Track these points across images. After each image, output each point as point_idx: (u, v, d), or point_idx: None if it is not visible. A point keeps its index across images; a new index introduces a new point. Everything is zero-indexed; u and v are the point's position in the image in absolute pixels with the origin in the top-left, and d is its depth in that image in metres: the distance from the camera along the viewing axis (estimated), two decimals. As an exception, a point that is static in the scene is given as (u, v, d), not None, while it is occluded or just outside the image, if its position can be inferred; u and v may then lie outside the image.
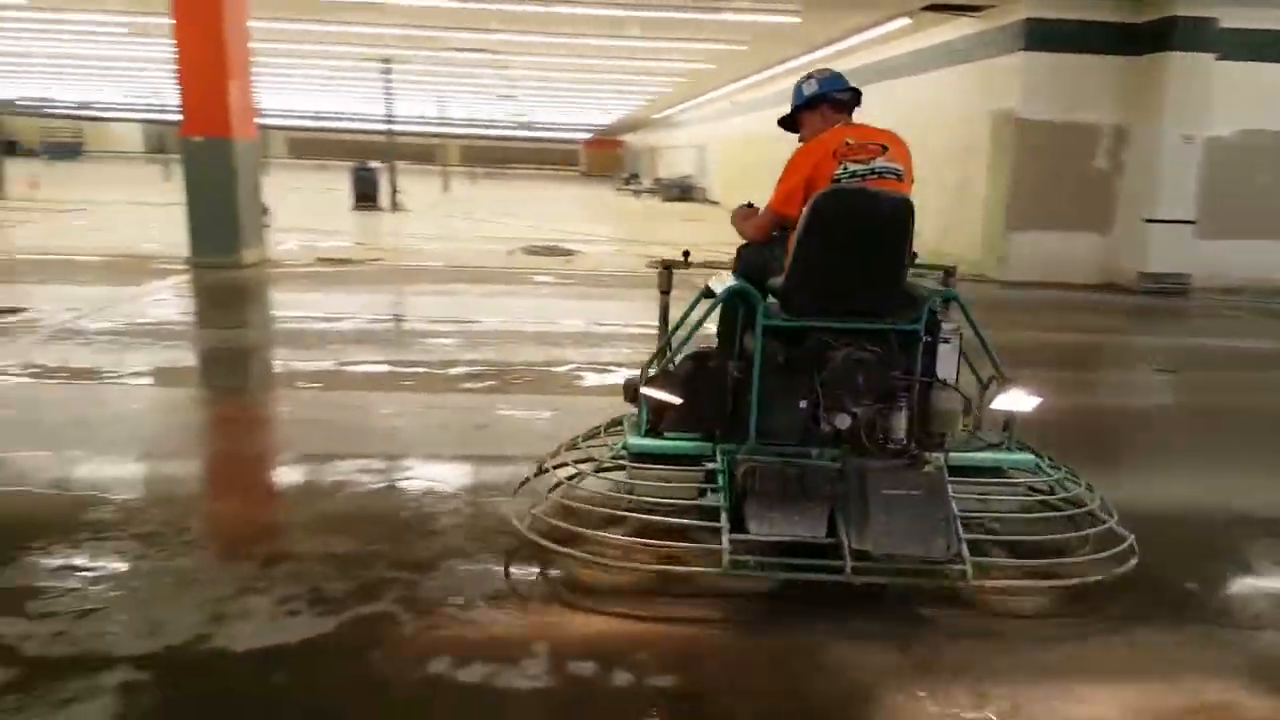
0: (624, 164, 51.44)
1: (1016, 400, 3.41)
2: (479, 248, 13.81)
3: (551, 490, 3.39)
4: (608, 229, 18.59)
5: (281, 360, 6.67)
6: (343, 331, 7.44)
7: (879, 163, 3.31)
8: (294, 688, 2.47)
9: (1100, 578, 3.07)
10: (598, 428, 3.94)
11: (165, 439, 4.73)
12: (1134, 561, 3.14)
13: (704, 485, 3.33)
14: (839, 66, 4.16)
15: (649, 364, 3.49)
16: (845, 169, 3.29)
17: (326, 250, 12.33)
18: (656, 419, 3.49)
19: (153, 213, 16.12)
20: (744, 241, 3.70)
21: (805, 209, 3.19)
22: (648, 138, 46.41)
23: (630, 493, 3.32)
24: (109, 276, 9.54)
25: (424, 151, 36.45)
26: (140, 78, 29.40)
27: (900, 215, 3.17)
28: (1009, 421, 3.56)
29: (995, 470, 3.51)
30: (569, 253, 13.43)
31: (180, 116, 10.00)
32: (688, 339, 3.52)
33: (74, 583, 2.95)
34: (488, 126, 47.88)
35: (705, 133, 31.42)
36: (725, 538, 2.97)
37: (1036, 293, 10.63)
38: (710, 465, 3.30)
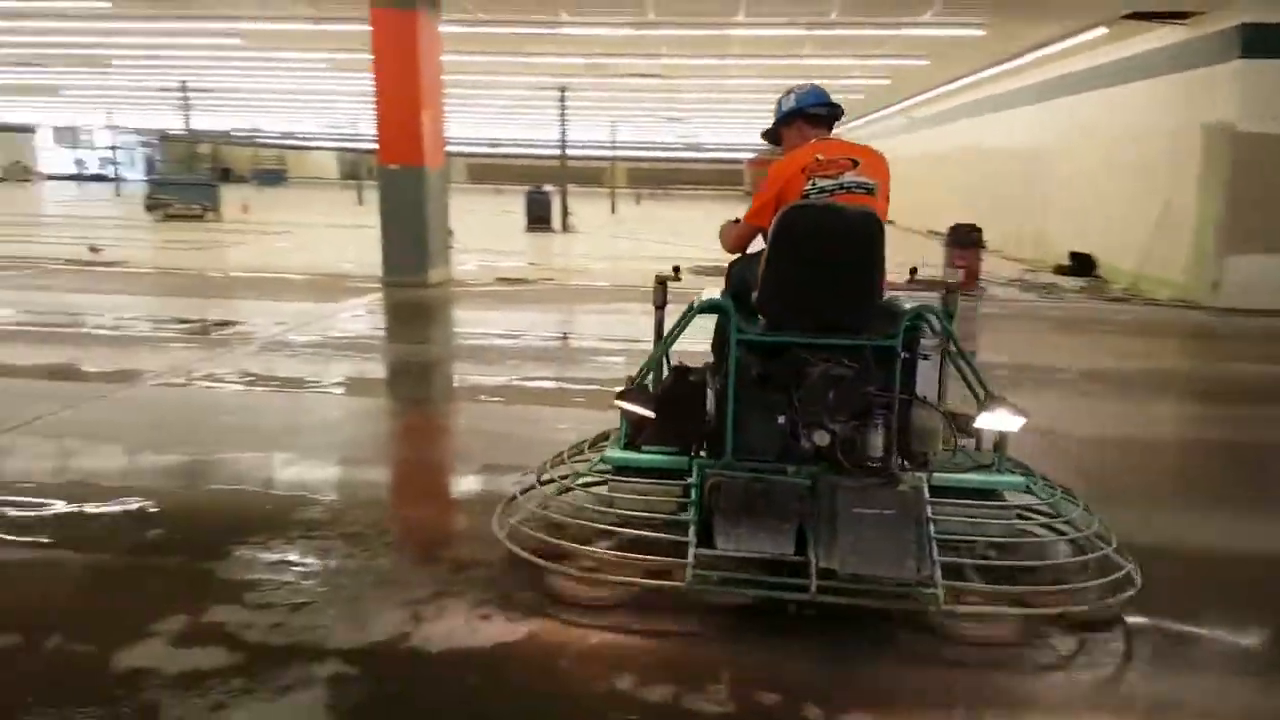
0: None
1: (1001, 420, 3.19)
2: (646, 268, 13.98)
3: (533, 501, 3.46)
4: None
5: (463, 374, 7.00)
6: (519, 348, 7.75)
7: (848, 177, 3.30)
8: (487, 691, 2.57)
9: (1085, 607, 2.94)
10: (582, 443, 3.88)
11: (363, 445, 5.06)
12: (1131, 592, 2.96)
13: (683, 500, 3.24)
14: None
15: (636, 378, 3.43)
16: (814, 184, 3.29)
17: (504, 270, 12.86)
18: (635, 432, 3.42)
19: (347, 235, 17.33)
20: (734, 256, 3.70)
21: (773, 224, 3.19)
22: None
23: (610, 506, 3.32)
24: (311, 294, 10.31)
25: (593, 174, 37.52)
26: (336, 109, 31.81)
27: (866, 229, 3.14)
28: (999, 441, 3.32)
29: (990, 493, 3.25)
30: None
31: (375, 145, 10.73)
32: (664, 352, 3.50)
33: (288, 576, 3.19)
34: (654, 148, 48.77)
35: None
36: (691, 552, 2.94)
37: (1259, 321, 9.56)
38: (689, 480, 3.21)
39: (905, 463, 3.13)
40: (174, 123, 39.39)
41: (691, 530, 3.02)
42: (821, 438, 3.06)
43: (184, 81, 22.86)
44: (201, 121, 32.51)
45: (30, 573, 3.28)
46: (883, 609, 2.90)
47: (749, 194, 30.60)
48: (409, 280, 10.47)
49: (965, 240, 11.53)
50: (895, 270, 3.47)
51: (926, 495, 3.02)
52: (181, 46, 17.15)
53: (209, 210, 20.66)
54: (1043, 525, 3.41)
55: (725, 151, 52.21)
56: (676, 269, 3.75)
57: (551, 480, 3.58)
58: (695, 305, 3.40)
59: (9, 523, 3.65)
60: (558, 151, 22.82)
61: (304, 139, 48.70)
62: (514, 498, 3.55)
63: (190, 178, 24.24)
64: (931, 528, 2.93)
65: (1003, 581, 3.03)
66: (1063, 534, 3.30)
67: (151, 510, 3.78)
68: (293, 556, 3.36)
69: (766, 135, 3.75)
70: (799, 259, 3.18)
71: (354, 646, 2.72)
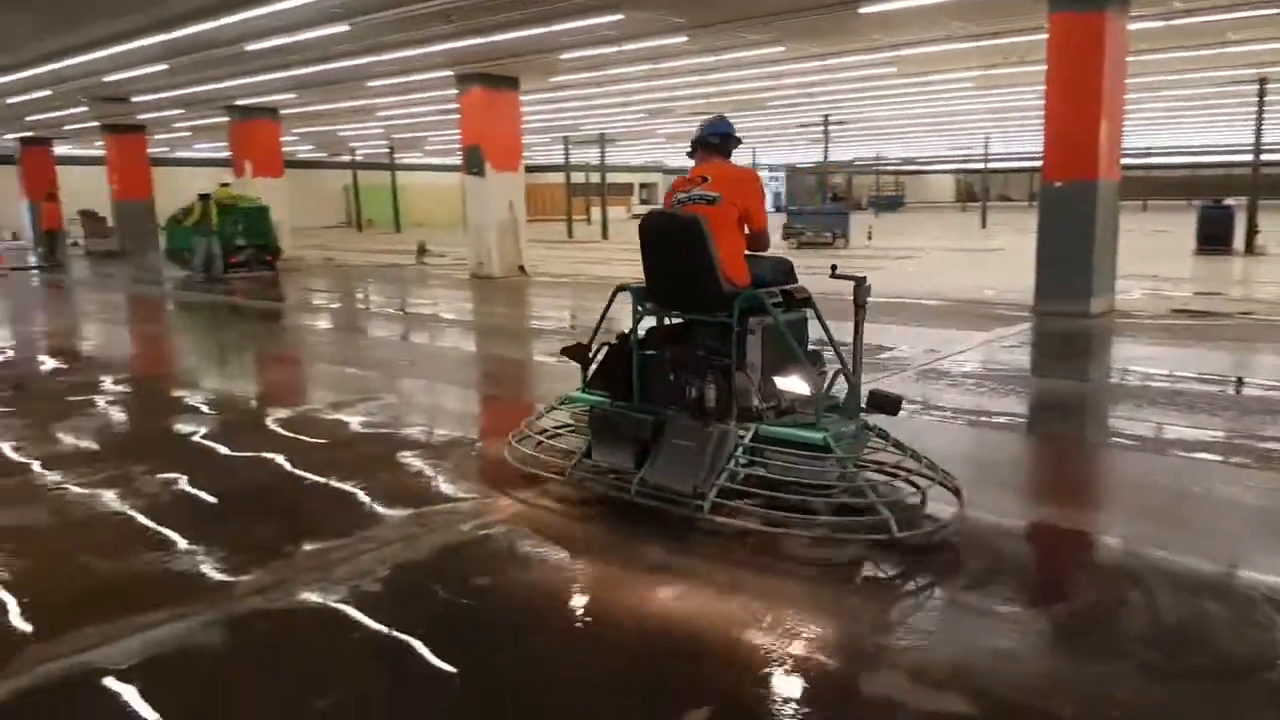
0: None
1: (793, 384, 4.08)
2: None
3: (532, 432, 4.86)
4: None
5: (1151, 420, 5.84)
6: (1210, 395, 6.32)
7: (695, 191, 4.29)
8: None
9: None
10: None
11: (1063, 492, 4.37)
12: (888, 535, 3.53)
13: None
14: None
15: (589, 341, 4.61)
16: (676, 198, 4.36)
17: (1179, 300, 10.97)
18: (591, 380, 4.58)
19: (977, 259, 16.68)
20: None
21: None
22: None
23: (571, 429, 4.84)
24: (955, 320, 9.88)
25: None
26: (965, 130, 31.26)
27: (686, 229, 4.08)
28: (848, 402, 4.13)
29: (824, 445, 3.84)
30: None
31: (1040, 163, 9.88)
32: (599, 324, 4.63)
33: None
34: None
35: None
36: (575, 459, 4.38)
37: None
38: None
39: (728, 412, 4.01)
40: (807, 156, 42.94)
41: (585, 445, 4.40)
42: (692, 391, 4.07)
43: (826, 115, 24.38)
44: (831, 153, 34.61)
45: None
46: (672, 509, 3.88)
47: None
48: (1067, 309, 9.41)
49: None
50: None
51: (734, 437, 3.91)
52: (835, 81, 18.20)
53: (838, 237, 21.75)
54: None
55: None
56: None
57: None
58: (615, 290, 4.58)
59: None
60: (1248, 158, 19.16)
61: (924, 163, 49.18)
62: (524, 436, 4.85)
63: (827, 208, 25.86)
64: (725, 459, 3.85)
65: (778, 507, 3.76)
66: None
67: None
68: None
69: (690, 154, 4.61)
70: (648, 253, 4.30)
71: None
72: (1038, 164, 10.05)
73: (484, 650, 2.97)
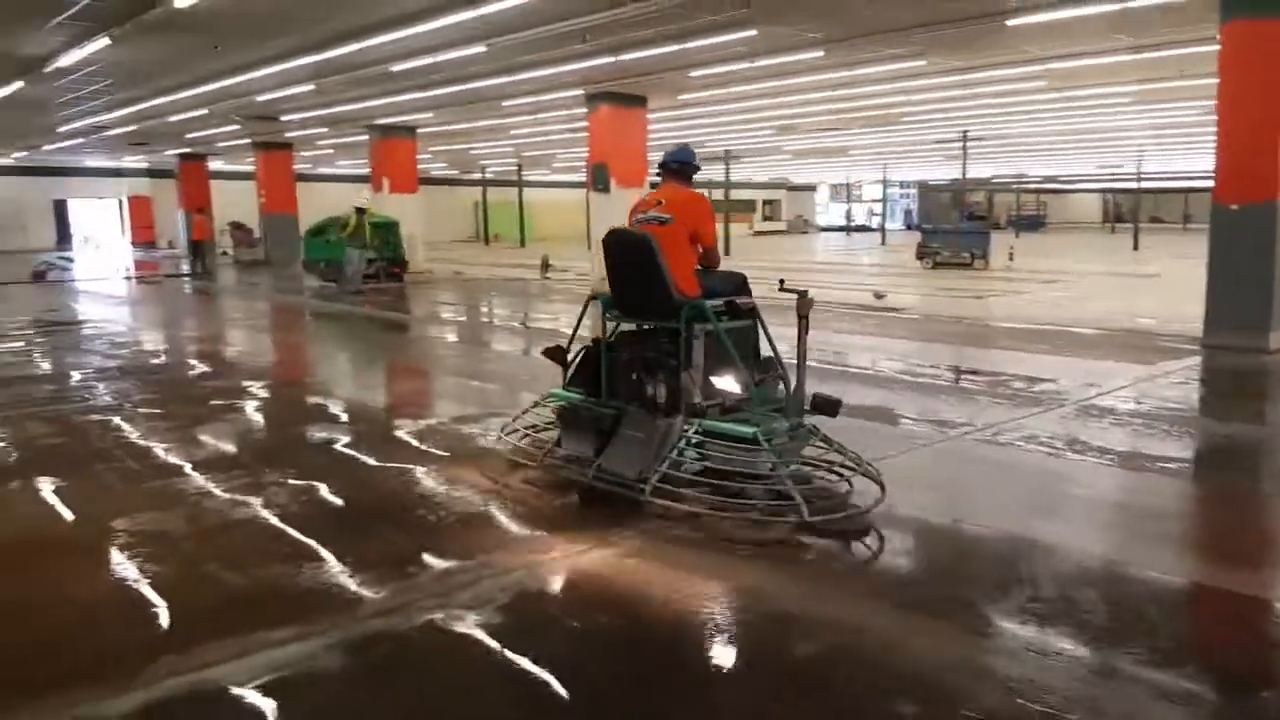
0: None
1: (728, 384, 4.67)
2: None
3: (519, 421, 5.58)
4: None
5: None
6: None
7: (650, 213, 4.90)
8: None
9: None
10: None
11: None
12: (796, 518, 4.08)
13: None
14: None
15: (568, 344, 5.37)
16: (635, 218, 4.99)
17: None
18: (571, 378, 5.28)
19: (1130, 285, 15.63)
20: None
21: None
22: None
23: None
24: (1113, 351, 9.18)
25: None
26: (1116, 147, 29.57)
27: (640, 247, 4.71)
28: (790, 402, 4.76)
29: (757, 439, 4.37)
30: None
31: (1198, 182, 9.12)
32: (575, 331, 5.43)
33: None
34: None
35: None
36: (548, 448, 5.06)
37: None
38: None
39: (676, 408, 4.61)
40: (943, 173, 41.59)
41: (557, 436, 5.10)
42: (651, 388, 4.72)
43: (965, 131, 23.47)
44: (968, 170, 33.36)
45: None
46: (626, 493, 4.41)
47: None
48: (1241, 343, 8.59)
49: None
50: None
51: (678, 430, 4.47)
52: (975, 96, 17.46)
53: (978, 258, 20.72)
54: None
55: None
56: None
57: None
58: (588, 299, 5.44)
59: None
60: None
61: (1068, 181, 46.91)
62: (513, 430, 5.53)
63: (965, 226, 24.81)
64: (669, 449, 4.41)
65: (722, 493, 4.24)
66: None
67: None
68: None
69: (659, 175, 5.27)
70: (610, 267, 5.02)
71: None
72: (1195, 184, 9.31)
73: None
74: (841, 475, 4.63)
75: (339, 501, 4.61)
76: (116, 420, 6.45)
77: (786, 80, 15.12)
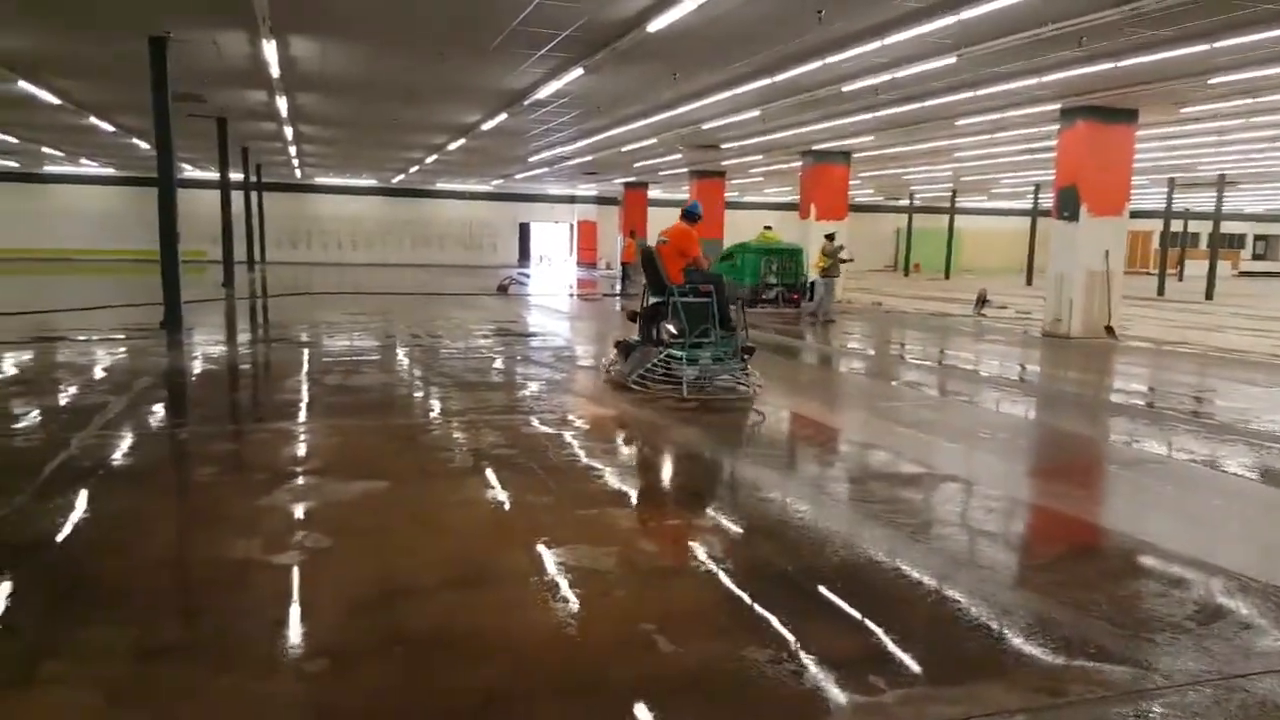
0: None
1: (666, 329, 8.46)
2: None
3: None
4: None
5: None
6: None
7: (661, 237, 8.62)
8: None
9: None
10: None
11: None
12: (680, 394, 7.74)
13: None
14: None
15: (639, 312, 8.91)
16: (657, 239, 8.79)
17: None
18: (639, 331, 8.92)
19: None
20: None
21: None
22: None
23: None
24: None
25: None
26: None
27: (649, 255, 8.56)
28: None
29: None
30: None
31: None
32: (642, 305, 8.95)
33: None
34: None
35: None
36: (618, 369, 8.78)
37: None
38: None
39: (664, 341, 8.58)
40: None
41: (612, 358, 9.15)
42: (666, 333, 8.39)
43: None
44: None
45: None
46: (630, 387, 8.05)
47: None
48: None
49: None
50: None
51: (654, 354, 8.18)
52: None
53: None
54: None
55: None
56: None
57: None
58: (643, 298, 9.03)
59: None
60: None
61: None
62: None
63: None
64: (646, 363, 8.17)
65: (664, 384, 8.00)
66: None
67: None
68: None
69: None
70: (643, 266, 8.85)
71: None
72: None
73: None
74: (746, 384, 8.23)
75: (790, 571, 3.72)
76: (567, 436, 6.32)
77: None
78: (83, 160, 29.72)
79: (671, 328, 8.26)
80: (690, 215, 8.74)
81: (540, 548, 4.00)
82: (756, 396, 7.92)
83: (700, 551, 4.05)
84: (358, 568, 3.78)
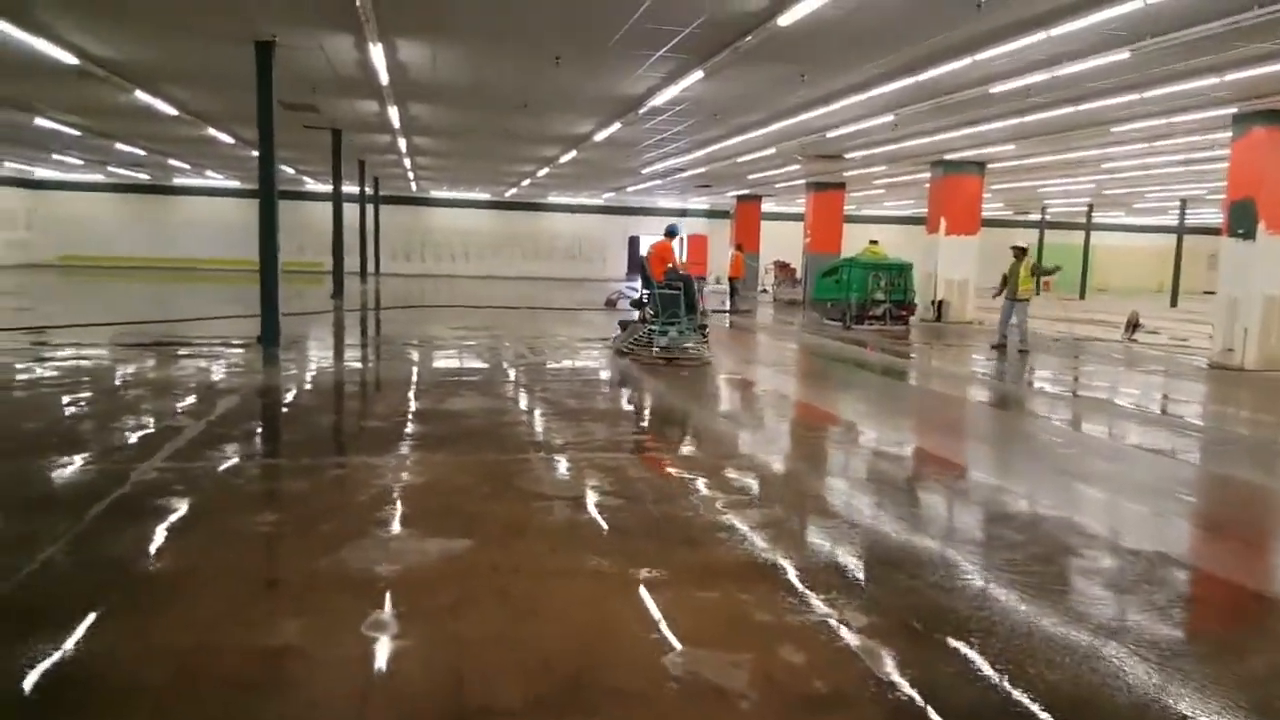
0: None
1: (630, 311, 14.43)
2: None
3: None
4: None
5: None
6: None
7: (649, 249, 12.88)
8: None
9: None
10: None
11: None
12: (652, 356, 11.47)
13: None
14: None
15: (638, 300, 13.22)
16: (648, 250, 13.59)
17: None
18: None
19: None
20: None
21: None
22: None
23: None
24: None
25: None
26: None
27: (642, 262, 13.40)
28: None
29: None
30: None
31: None
32: (640, 297, 13.16)
33: None
34: None
35: None
36: (621, 344, 12.57)
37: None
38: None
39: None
40: None
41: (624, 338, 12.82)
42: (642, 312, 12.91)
43: None
44: None
45: None
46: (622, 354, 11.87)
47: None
48: None
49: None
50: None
51: (638, 328, 12.33)
52: None
53: None
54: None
55: None
56: None
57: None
58: (656, 283, 12.46)
59: None
60: None
61: None
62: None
63: None
64: (632, 335, 12.36)
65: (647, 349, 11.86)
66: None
67: None
68: None
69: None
70: (641, 269, 13.65)
71: None
72: None
73: None
74: (698, 350, 11.74)
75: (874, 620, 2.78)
76: (696, 485, 5.43)
77: None
78: (208, 173, 30.63)
79: (633, 310, 13.17)
80: (670, 233, 12.91)
81: (657, 649, 3.12)
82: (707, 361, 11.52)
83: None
84: (423, 672, 2.98)
